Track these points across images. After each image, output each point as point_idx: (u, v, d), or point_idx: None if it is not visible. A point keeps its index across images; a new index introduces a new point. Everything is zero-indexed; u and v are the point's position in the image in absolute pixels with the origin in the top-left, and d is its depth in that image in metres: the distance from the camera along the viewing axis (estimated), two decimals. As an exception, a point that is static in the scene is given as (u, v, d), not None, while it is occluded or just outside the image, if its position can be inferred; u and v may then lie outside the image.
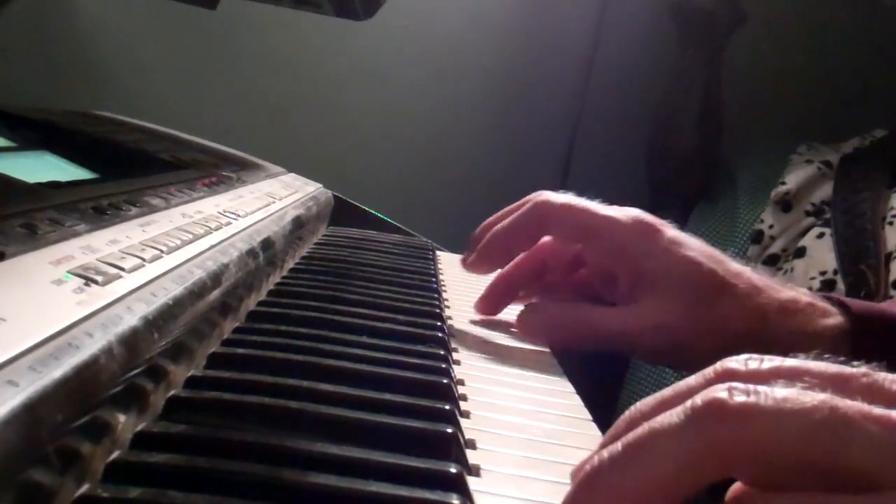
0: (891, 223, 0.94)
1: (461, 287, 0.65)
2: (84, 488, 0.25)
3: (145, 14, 1.32)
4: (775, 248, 1.10)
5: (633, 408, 0.29)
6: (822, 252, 1.00)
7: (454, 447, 0.32)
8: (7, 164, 0.51)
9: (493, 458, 0.33)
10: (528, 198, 0.57)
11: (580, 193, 0.58)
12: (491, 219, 0.59)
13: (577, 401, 0.44)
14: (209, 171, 0.64)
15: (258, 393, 0.34)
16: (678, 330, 0.51)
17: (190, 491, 0.25)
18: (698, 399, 0.24)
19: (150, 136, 0.79)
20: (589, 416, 0.42)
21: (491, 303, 0.58)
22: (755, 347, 0.50)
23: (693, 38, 1.33)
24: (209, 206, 0.51)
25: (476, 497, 0.29)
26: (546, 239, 0.58)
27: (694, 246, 0.53)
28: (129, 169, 0.57)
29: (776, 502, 0.23)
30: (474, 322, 0.58)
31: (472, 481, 0.30)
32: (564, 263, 0.59)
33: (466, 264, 0.59)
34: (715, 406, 0.24)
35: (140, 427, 0.29)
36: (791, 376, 0.26)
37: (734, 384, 0.24)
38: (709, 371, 0.28)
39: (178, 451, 0.28)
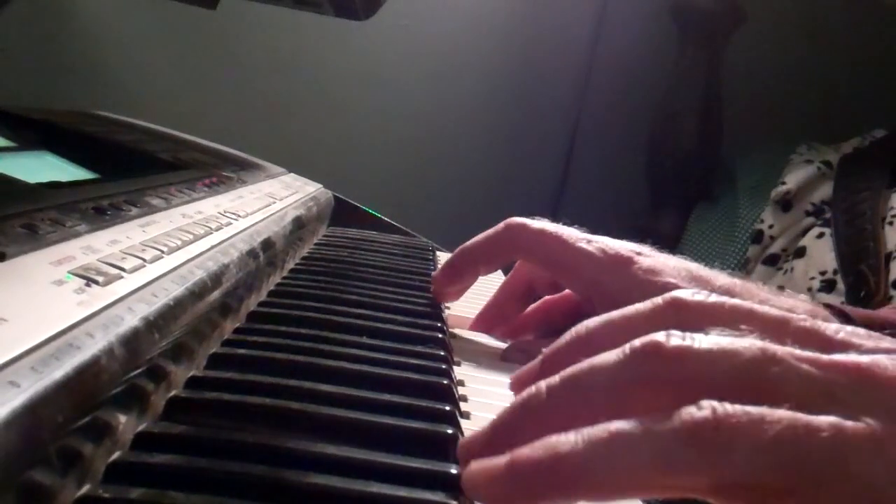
0: (891, 223, 0.94)
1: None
2: (85, 489, 0.25)
3: (145, 14, 1.32)
4: (775, 247, 1.10)
5: (579, 326, 0.30)
6: (822, 252, 1.00)
7: (454, 448, 0.32)
8: (7, 164, 0.51)
9: (493, 458, 0.33)
10: (502, 222, 0.55)
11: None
12: (466, 244, 0.57)
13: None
14: (209, 171, 0.64)
15: (259, 393, 0.34)
16: None
17: (191, 491, 0.25)
18: (637, 342, 0.26)
19: (150, 136, 0.79)
20: (589, 417, 0.42)
21: (482, 328, 0.57)
22: None
23: (693, 38, 1.33)
24: (209, 206, 0.51)
25: (476, 497, 0.29)
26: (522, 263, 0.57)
27: (674, 272, 0.51)
28: (130, 169, 0.57)
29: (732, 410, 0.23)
30: (473, 339, 0.57)
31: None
32: (550, 282, 0.57)
33: (433, 279, 0.56)
34: (652, 347, 0.25)
35: (141, 427, 0.29)
36: (733, 313, 0.27)
37: (672, 330, 0.26)
38: (657, 299, 0.29)
39: (178, 451, 0.28)
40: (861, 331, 0.27)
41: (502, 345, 0.54)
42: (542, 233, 0.53)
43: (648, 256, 0.52)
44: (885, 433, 0.23)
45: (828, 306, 0.53)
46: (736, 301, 0.28)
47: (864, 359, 0.25)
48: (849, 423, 0.23)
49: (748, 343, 0.25)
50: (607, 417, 0.24)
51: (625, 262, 0.51)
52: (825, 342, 0.26)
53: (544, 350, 0.31)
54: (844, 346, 0.26)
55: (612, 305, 0.51)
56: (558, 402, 0.26)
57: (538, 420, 0.26)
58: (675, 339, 0.25)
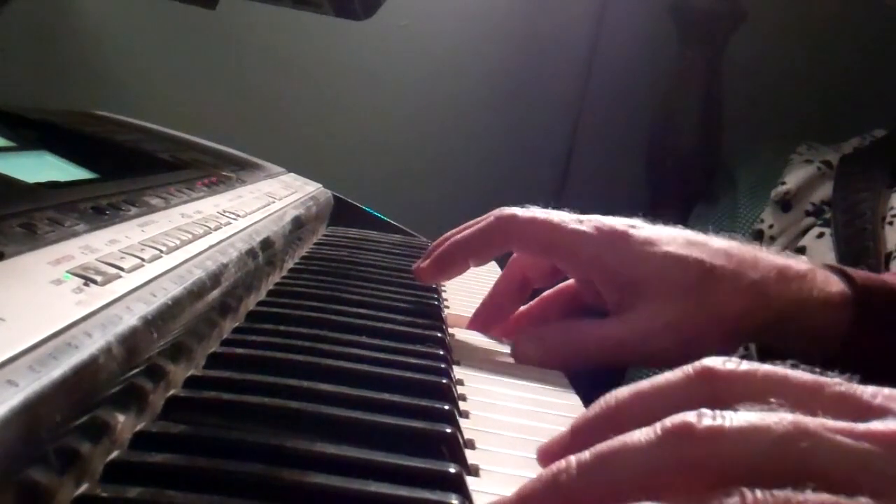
0: (891, 223, 0.94)
1: (461, 287, 0.65)
2: (83, 488, 0.25)
3: (145, 14, 1.32)
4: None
5: (609, 396, 0.29)
6: (821, 252, 1.00)
7: (454, 447, 0.32)
8: (7, 164, 0.51)
9: (492, 458, 0.34)
10: (491, 212, 0.54)
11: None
12: (451, 232, 0.57)
13: (576, 401, 0.44)
14: (209, 171, 0.64)
15: (258, 393, 0.34)
16: (681, 327, 0.49)
17: (189, 491, 0.25)
18: (668, 422, 0.25)
19: (149, 136, 0.79)
20: (588, 416, 0.42)
21: (481, 325, 0.57)
22: (760, 321, 0.49)
23: (693, 38, 1.33)
24: (209, 206, 0.51)
25: (475, 497, 0.29)
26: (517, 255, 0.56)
27: (671, 239, 0.51)
28: (129, 169, 0.57)
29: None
30: (473, 341, 0.57)
31: (471, 481, 0.30)
32: (545, 273, 0.56)
33: (418, 269, 0.56)
34: (684, 428, 0.25)
35: (139, 427, 0.29)
36: (766, 382, 0.27)
37: (703, 410, 0.25)
38: (688, 368, 0.28)
39: (177, 450, 0.28)
40: None
41: (502, 343, 0.54)
42: (532, 220, 0.52)
43: (643, 228, 0.52)
44: None
45: (828, 266, 0.52)
46: (768, 368, 0.27)
47: None
48: None
49: (779, 418, 0.25)
50: (637, 499, 0.24)
51: (621, 236, 0.51)
52: (861, 407, 0.25)
53: (573, 421, 0.31)
54: (882, 412, 0.25)
55: (615, 281, 0.51)
56: (588, 481, 0.26)
57: (566, 497, 0.26)
58: (706, 419, 0.25)
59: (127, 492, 0.25)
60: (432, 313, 0.52)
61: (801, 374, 0.27)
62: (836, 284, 0.50)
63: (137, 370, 0.29)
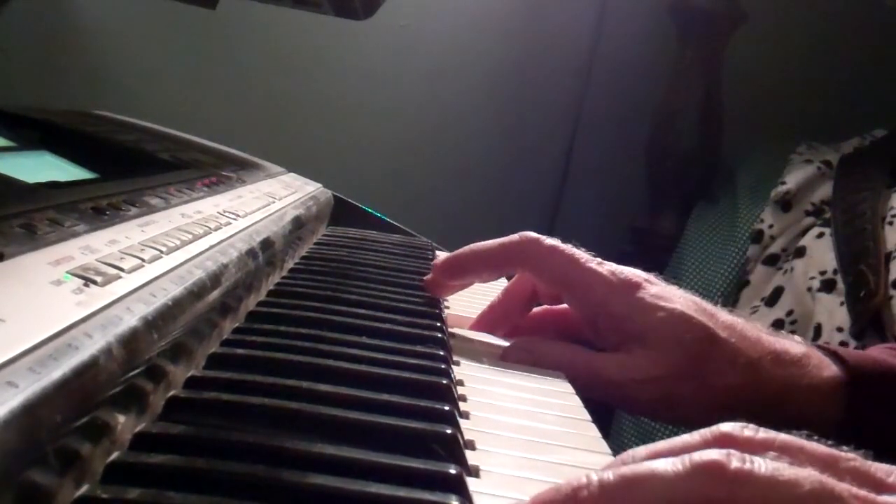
0: (891, 223, 0.94)
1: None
2: (83, 489, 0.25)
3: (145, 14, 1.32)
4: (775, 247, 1.10)
5: (625, 454, 0.29)
6: (821, 252, 1.00)
7: (453, 448, 0.32)
8: (7, 164, 0.51)
9: (492, 458, 0.33)
10: (517, 233, 0.55)
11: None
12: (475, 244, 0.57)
13: (576, 401, 0.44)
14: (209, 171, 0.64)
15: (258, 393, 0.34)
16: (673, 384, 0.50)
17: (189, 492, 0.25)
18: (698, 456, 0.26)
19: (150, 136, 0.79)
20: (588, 417, 0.42)
21: (484, 328, 0.57)
22: (749, 401, 0.50)
23: (693, 38, 1.33)
24: (209, 206, 0.51)
25: (475, 498, 0.29)
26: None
27: (681, 300, 0.52)
28: (129, 169, 0.57)
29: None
30: (473, 337, 0.57)
31: (471, 482, 0.30)
32: (556, 296, 0.57)
33: (435, 268, 0.57)
34: (715, 466, 0.25)
35: (139, 428, 0.29)
36: (784, 450, 0.27)
37: (732, 451, 0.26)
38: (706, 432, 0.29)
39: (177, 451, 0.28)
40: None
41: (503, 343, 0.54)
42: (554, 250, 0.53)
43: (657, 284, 0.53)
44: None
45: (820, 347, 0.53)
46: (786, 437, 0.28)
47: None
48: None
49: (808, 474, 0.25)
50: None
51: (635, 286, 0.52)
52: (876, 483, 0.26)
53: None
54: (895, 490, 0.26)
55: (616, 328, 0.52)
56: (611, 500, 0.26)
57: None
58: (736, 461, 0.25)
59: (127, 493, 0.25)
60: (432, 313, 0.52)
61: (818, 446, 0.28)
62: (828, 369, 0.51)
63: (137, 371, 0.29)
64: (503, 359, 0.51)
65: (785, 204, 1.11)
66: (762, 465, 0.25)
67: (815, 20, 1.42)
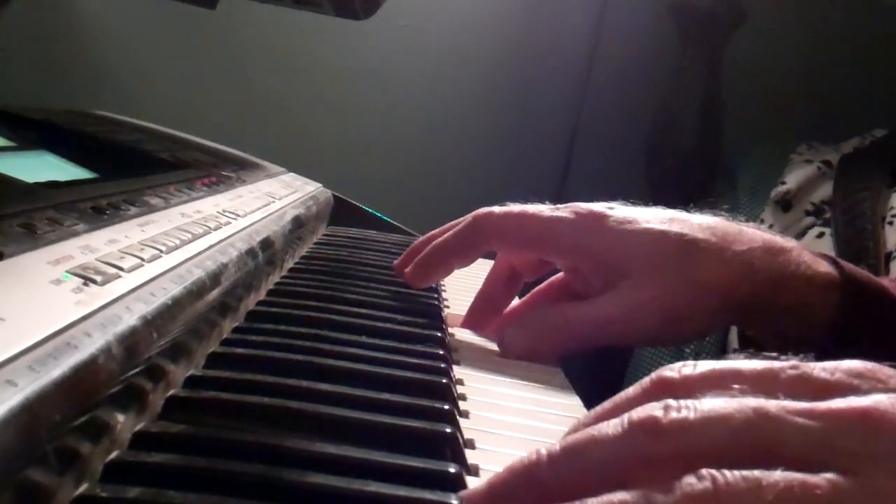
0: (891, 223, 0.94)
1: (460, 287, 0.65)
2: (83, 488, 0.25)
3: (145, 14, 1.32)
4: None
5: (576, 422, 0.30)
6: (821, 251, 1.00)
7: (453, 447, 0.32)
8: (7, 164, 0.51)
9: (492, 457, 0.33)
10: (469, 214, 0.54)
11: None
12: (434, 232, 0.57)
13: (576, 400, 0.44)
14: (209, 170, 0.64)
15: (257, 393, 0.34)
16: (666, 301, 0.48)
17: (189, 491, 0.25)
18: (634, 414, 0.26)
19: (149, 136, 0.79)
20: (588, 416, 0.42)
21: (474, 322, 0.56)
22: (746, 295, 0.49)
23: (693, 38, 1.33)
24: (208, 205, 0.51)
25: (475, 497, 0.29)
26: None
27: (650, 216, 0.50)
28: (129, 169, 0.57)
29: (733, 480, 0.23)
30: (472, 341, 0.57)
31: (471, 481, 0.30)
32: (533, 265, 0.56)
33: (401, 273, 0.55)
34: (650, 422, 0.25)
35: (139, 427, 0.29)
36: (720, 381, 0.27)
37: (668, 401, 0.26)
38: (645, 381, 0.29)
39: (177, 450, 0.28)
40: (858, 366, 0.26)
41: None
42: (508, 215, 0.52)
43: (621, 208, 0.52)
44: (884, 487, 0.23)
45: (821, 255, 0.52)
46: (721, 365, 0.28)
47: (864, 401, 0.24)
48: (846, 481, 0.23)
49: (740, 405, 0.25)
50: (607, 489, 0.24)
51: (599, 217, 0.51)
52: (820, 386, 0.26)
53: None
54: (841, 388, 0.26)
55: (596, 263, 0.51)
56: (558, 473, 0.26)
57: (536, 489, 0.26)
58: (672, 412, 0.25)
59: (127, 492, 0.25)
60: (432, 313, 0.52)
61: (755, 363, 0.27)
62: (823, 265, 0.50)
63: (137, 370, 0.29)
64: (503, 354, 0.51)
65: (785, 204, 1.11)
66: (695, 408, 0.25)
67: (815, 20, 1.42)
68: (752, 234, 0.50)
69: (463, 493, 0.28)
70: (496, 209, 0.53)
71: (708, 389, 0.27)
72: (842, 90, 1.43)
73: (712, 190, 1.30)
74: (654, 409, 0.26)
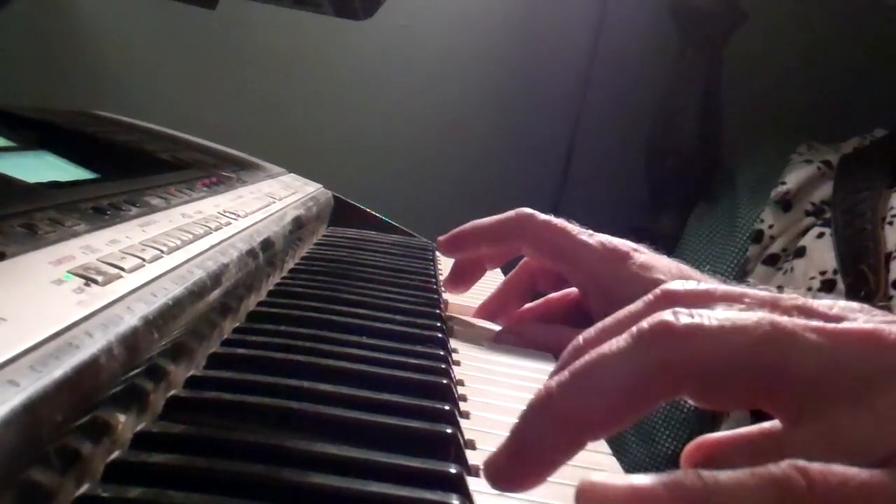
0: (891, 223, 0.94)
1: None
2: (84, 488, 0.25)
3: (145, 14, 1.32)
4: (775, 247, 1.10)
5: (576, 339, 0.29)
6: (821, 252, 1.00)
7: (454, 447, 0.32)
8: (7, 164, 0.51)
9: (492, 458, 0.33)
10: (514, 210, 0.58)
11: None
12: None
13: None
14: (209, 171, 0.64)
15: (258, 393, 0.34)
16: None
17: (190, 491, 0.25)
18: (644, 323, 0.25)
19: (150, 136, 0.79)
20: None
21: (486, 315, 0.59)
22: None
23: (693, 38, 1.33)
24: (209, 206, 0.51)
25: (476, 497, 0.29)
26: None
27: (664, 269, 0.53)
28: (129, 169, 0.57)
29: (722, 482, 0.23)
30: (474, 322, 0.58)
31: (471, 482, 0.30)
32: (552, 278, 0.59)
33: (438, 241, 0.59)
34: (662, 327, 0.25)
35: (140, 427, 0.29)
36: (728, 298, 0.27)
37: (678, 308, 0.25)
38: (648, 296, 0.28)
39: (178, 451, 0.28)
40: (854, 304, 0.27)
41: (497, 328, 0.56)
42: (547, 223, 0.56)
43: (644, 254, 0.55)
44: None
45: None
46: (727, 287, 0.28)
47: (867, 325, 0.25)
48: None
49: (758, 317, 0.25)
50: (626, 409, 0.24)
51: (622, 257, 0.54)
52: (821, 317, 0.26)
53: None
54: (839, 320, 0.26)
55: (607, 297, 0.53)
56: (573, 398, 0.25)
57: (556, 420, 0.25)
58: (683, 316, 0.25)
59: (128, 492, 0.25)
60: (432, 313, 0.52)
61: (760, 290, 0.27)
62: None
63: (138, 370, 0.29)
64: (496, 341, 0.53)
65: (785, 204, 1.11)
66: (710, 315, 0.25)
67: (815, 20, 1.42)
68: None
69: (485, 460, 0.26)
70: (538, 214, 0.56)
71: (716, 303, 0.26)
72: (842, 90, 1.43)
73: (712, 190, 1.30)
74: (663, 315, 0.25)
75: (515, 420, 0.38)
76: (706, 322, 0.24)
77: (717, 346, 0.24)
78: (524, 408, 0.26)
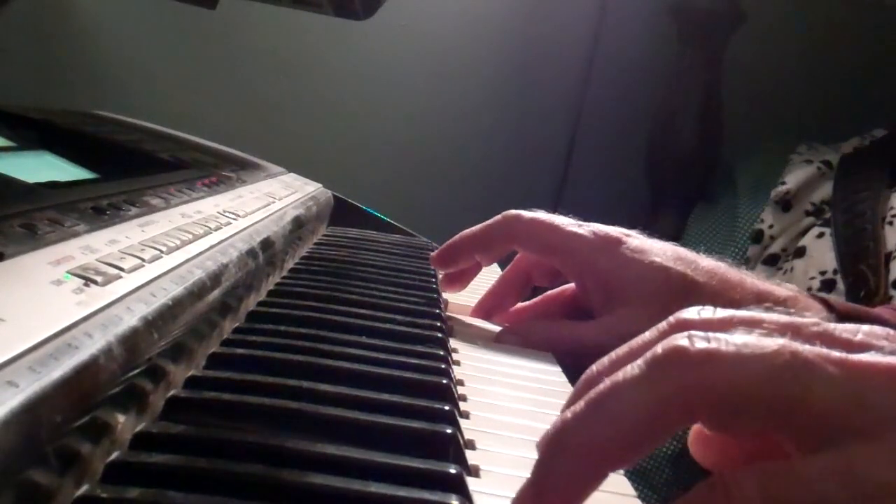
0: (891, 223, 0.94)
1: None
2: (83, 489, 0.25)
3: (145, 14, 1.32)
4: (775, 247, 1.10)
5: (589, 369, 0.29)
6: (821, 252, 1.00)
7: (454, 448, 0.32)
8: (7, 164, 0.51)
9: (492, 458, 0.33)
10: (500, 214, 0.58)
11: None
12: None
13: (576, 401, 0.44)
14: (209, 171, 0.64)
15: (258, 393, 0.34)
16: None
17: (189, 491, 0.25)
18: (658, 348, 0.24)
19: (150, 136, 0.79)
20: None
21: (482, 314, 0.59)
22: None
23: (693, 38, 1.33)
24: (209, 206, 0.51)
25: (476, 497, 0.29)
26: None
27: (660, 251, 0.53)
28: (129, 169, 0.57)
29: (743, 478, 0.23)
30: (474, 322, 0.58)
31: (471, 482, 0.30)
32: (547, 272, 0.59)
33: (431, 258, 0.60)
34: (677, 353, 0.24)
35: (139, 427, 0.29)
36: (745, 325, 0.26)
37: (693, 332, 0.24)
38: (663, 324, 0.28)
39: (177, 451, 0.28)
40: (878, 330, 0.26)
41: (497, 329, 0.56)
42: (534, 221, 0.56)
43: (637, 238, 0.55)
44: None
45: (812, 296, 0.53)
46: (744, 313, 0.27)
47: (891, 359, 0.24)
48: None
49: (776, 344, 0.24)
50: (644, 438, 0.24)
51: (614, 242, 0.54)
52: (844, 344, 0.25)
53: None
54: (864, 348, 0.25)
55: (603, 284, 0.53)
56: (588, 429, 0.24)
57: (573, 453, 0.25)
58: (699, 341, 0.24)
59: (127, 492, 0.25)
60: (432, 313, 0.52)
61: (779, 315, 0.26)
62: (816, 313, 0.51)
63: (138, 370, 0.29)
64: (497, 341, 0.53)
65: (785, 204, 1.11)
66: (727, 341, 0.24)
67: (815, 20, 1.42)
68: (751, 284, 0.52)
69: (513, 499, 0.26)
70: (524, 213, 0.56)
71: (733, 328, 0.25)
72: (842, 90, 1.43)
73: (712, 190, 1.30)
74: (678, 339, 0.24)
75: (515, 420, 0.38)
76: (723, 347, 0.24)
77: (733, 373, 0.23)
78: (540, 439, 0.26)
